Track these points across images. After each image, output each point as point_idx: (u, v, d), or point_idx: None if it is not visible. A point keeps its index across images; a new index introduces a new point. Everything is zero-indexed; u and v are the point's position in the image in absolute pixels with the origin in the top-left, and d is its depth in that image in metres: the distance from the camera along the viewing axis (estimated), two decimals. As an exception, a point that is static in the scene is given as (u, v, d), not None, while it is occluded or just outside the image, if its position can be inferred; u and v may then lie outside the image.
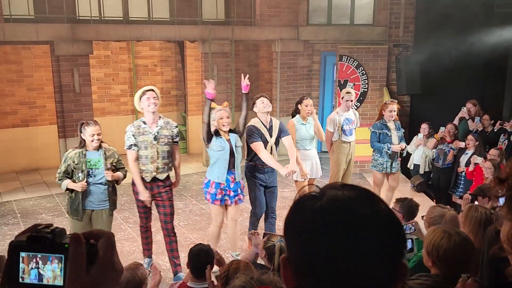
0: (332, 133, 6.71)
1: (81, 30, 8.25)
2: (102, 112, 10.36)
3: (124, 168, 5.00)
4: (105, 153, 4.79)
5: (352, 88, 8.98)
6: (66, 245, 0.77)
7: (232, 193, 5.21)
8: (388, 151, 6.61)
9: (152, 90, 4.95)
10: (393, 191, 7.02)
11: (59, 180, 4.75)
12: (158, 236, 5.86)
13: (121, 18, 9.16)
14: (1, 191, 8.31)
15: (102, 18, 8.92)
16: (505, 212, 1.03)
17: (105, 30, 8.52)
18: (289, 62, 10.30)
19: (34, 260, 0.77)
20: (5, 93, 9.31)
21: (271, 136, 5.50)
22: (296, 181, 6.28)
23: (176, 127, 5.12)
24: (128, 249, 6.10)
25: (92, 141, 4.67)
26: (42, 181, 8.79)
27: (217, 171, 5.14)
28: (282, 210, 6.37)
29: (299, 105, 6.27)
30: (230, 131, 5.21)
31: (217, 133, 5.10)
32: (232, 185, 5.21)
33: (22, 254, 0.77)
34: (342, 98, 6.83)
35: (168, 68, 11.22)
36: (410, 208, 4.06)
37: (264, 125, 5.47)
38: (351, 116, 6.82)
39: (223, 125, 5.11)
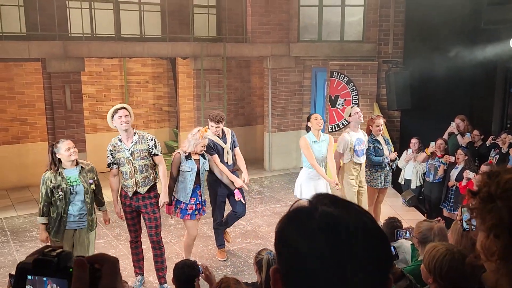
0: (341, 154, 6.36)
1: (73, 47, 8.27)
2: (94, 128, 10.35)
3: (103, 201, 5.10)
4: (82, 168, 4.75)
5: (342, 104, 9.05)
6: (71, 269, 0.77)
7: (200, 206, 5.53)
8: (386, 160, 6.56)
9: (124, 108, 4.93)
10: (380, 204, 7.05)
11: (40, 216, 4.73)
12: (149, 254, 5.83)
13: (113, 35, 9.21)
14: (-9, 209, 8.23)
15: (94, 35, 8.95)
16: (478, 224, 1.08)
17: (97, 47, 8.55)
18: (280, 78, 10.38)
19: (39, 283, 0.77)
20: (-4, 110, 9.30)
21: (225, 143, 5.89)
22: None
23: (152, 139, 5.06)
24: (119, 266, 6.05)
25: (70, 155, 4.59)
26: (33, 198, 8.71)
27: (182, 191, 5.42)
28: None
29: (308, 123, 6.16)
30: (202, 155, 5.55)
31: (188, 155, 5.39)
32: (199, 199, 5.54)
33: (29, 277, 0.77)
34: (350, 116, 6.43)
35: (160, 84, 11.26)
36: (392, 227, 4.08)
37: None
38: (361, 136, 6.49)
39: (200, 151, 5.43)
